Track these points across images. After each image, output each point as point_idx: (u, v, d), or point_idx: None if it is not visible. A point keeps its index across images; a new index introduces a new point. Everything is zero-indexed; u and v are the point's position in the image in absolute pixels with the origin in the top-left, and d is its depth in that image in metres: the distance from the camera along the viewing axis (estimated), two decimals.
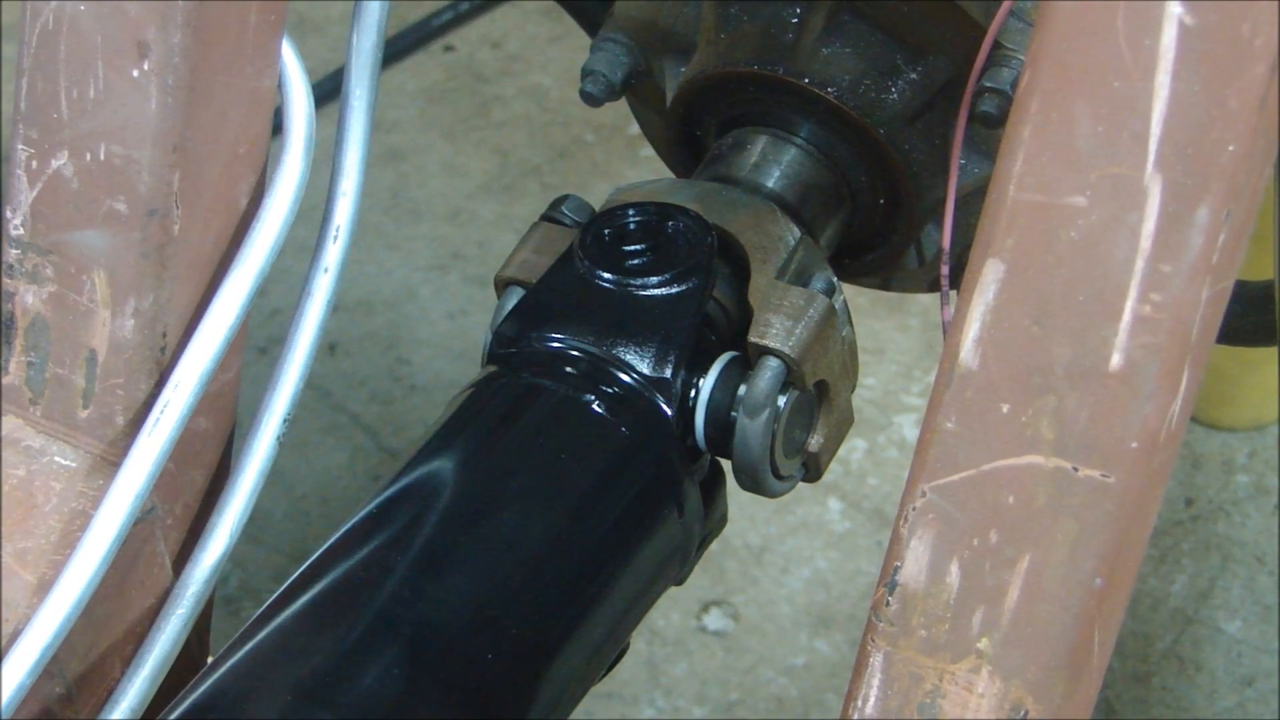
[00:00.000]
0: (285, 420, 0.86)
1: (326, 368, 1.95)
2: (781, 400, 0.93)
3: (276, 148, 0.84)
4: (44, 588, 0.81)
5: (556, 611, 0.85)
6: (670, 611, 1.72)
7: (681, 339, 0.92)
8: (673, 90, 1.06)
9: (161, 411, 0.81)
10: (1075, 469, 0.72)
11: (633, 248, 0.95)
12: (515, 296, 0.97)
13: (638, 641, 1.65)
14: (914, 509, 0.75)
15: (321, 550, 0.85)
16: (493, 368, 0.94)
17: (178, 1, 0.78)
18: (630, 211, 0.97)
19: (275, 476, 0.86)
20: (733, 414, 0.93)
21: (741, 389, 0.93)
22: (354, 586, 0.83)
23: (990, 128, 0.97)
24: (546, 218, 1.01)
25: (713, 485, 0.97)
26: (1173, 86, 0.67)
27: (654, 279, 0.93)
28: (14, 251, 0.85)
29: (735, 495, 0.98)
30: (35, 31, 0.81)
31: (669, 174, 1.11)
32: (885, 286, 1.11)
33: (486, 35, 2.34)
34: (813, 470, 0.99)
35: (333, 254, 0.86)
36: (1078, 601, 0.73)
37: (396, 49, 2.28)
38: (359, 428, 1.91)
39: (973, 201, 0.96)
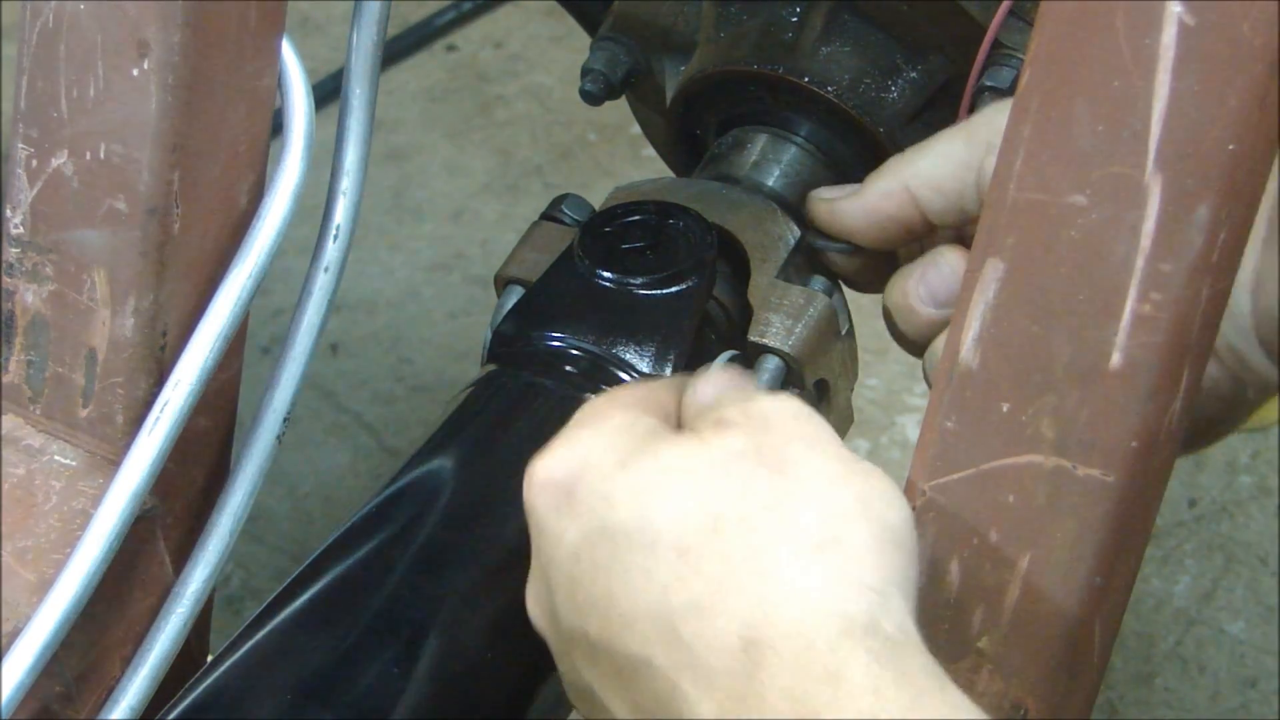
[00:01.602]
0: (285, 419, 0.86)
1: (329, 368, 1.95)
2: None
3: (276, 147, 0.84)
4: (44, 586, 0.81)
5: None
6: None
7: (681, 338, 0.92)
8: (672, 89, 1.06)
9: (161, 410, 0.81)
10: (1075, 468, 0.72)
11: (633, 246, 0.95)
12: (515, 295, 0.97)
13: None
14: (914, 508, 0.74)
15: (321, 549, 0.85)
16: (492, 367, 0.94)
17: (178, 1, 0.78)
18: (630, 210, 0.97)
19: (278, 476, 0.86)
20: None
21: None
22: (354, 585, 0.83)
23: None
24: (546, 216, 1.01)
25: None
26: (1173, 86, 0.67)
27: (654, 278, 0.93)
28: (14, 250, 0.85)
29: None
30: (35, 30, 0.82)
31: (670, 173, 1.11)
32: None
33: (489, 35, 2.34)
34: None
35: (333, 253, 0.86)
36: (1078, 601, 0.73)
37: (399, 49, 2.28)
38: (361, 428, 1.91)
39: None
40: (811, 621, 0.67)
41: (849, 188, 0.93)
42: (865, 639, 0.66)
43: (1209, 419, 0.83)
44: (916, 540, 0.71)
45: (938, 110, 1.01)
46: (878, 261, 0.95)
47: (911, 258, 0.92)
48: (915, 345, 0.90)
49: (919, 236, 0.91)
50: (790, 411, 0.73)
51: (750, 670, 0.66)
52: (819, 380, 0.95)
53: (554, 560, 0.74)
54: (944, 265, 0.88)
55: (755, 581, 0.68)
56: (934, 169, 0.88)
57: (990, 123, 0.86)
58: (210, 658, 0.83)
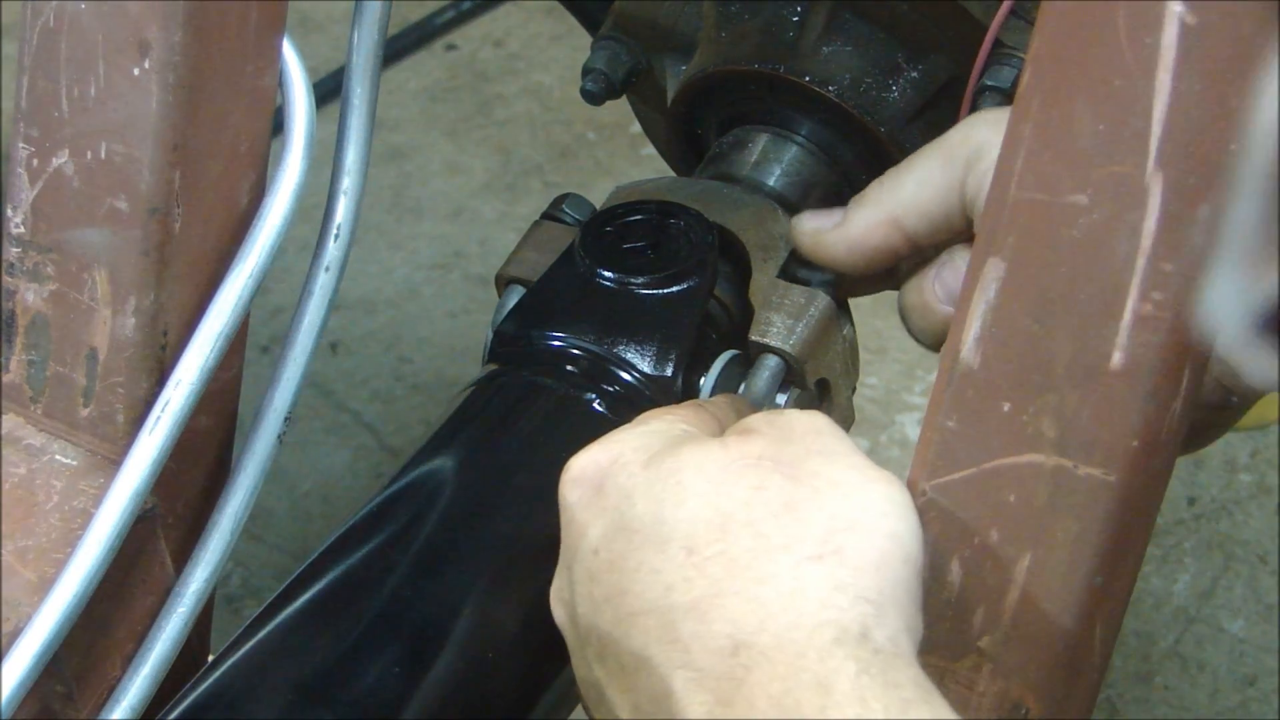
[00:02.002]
0: (286, 418, 0.86)
1: (329, 367, 1.95)
2: (782, 399, 0.93)
3: (277, 147, 0.84)
4: (44, 586, 0.80)
5: None
6: None
7: (682, 337, 0.92)
8: (673, 89, 1.06)
9: (162, 410, 0.81)
10: (1076, 467, 0.72)
11: (634, 246, 0.95)
12: (516, 295, 0.97)
13: None
14: (914, 508, 0.74)
15: (322, 549, 0.85)
16: (493, 366, 0.93)
17: (179, 0, 0.78)
18: (631, 210, 0.97)
19: (278, 475, 0.86)
20: None
21: (741, 387, 0.93)
22: (355, 585, 0.83)
23: None
24: (547, 216, 1.01)
25: None
26: (1174, 85, 0.67)
27: (655, 277, 0.93)
28: (15, 250, 0.85)
29: None
30: (36, 30, 0.81)
31: (670, 173, 1.11)
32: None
33: (489, 34, 2.34)
34: None
35: (333, 252, 0.86)
36: (1078, 600, 0.73)
37: (399, 48, 2.28)
38: (361, 427, 1.91)
39: None
40: (804, 629, 0.67)
41: (832, 215, 0.92)
42: (856, 649, 0.66)
43: (1198, 425, 0.84)
44: (924, 554, 0.71)
45: (939, 110, 1.01)
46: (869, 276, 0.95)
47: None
48: (933, 344, 0.91)
49: (906, 258, 0.91)
50: (814, 425, 0.74)
51: (740, 675, 0.67)
52: (820, 380, 0.95)
53: (577, 554, 0.75)
54: (960, 263, 0.89)
55: (753, 586, 0.68)
56: (916, 196, 0.88)
57: (967, 139, 0.86)
58: (211, 657, 0.83)
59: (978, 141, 0.85)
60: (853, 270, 0.92)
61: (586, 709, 0.78)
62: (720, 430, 0.79)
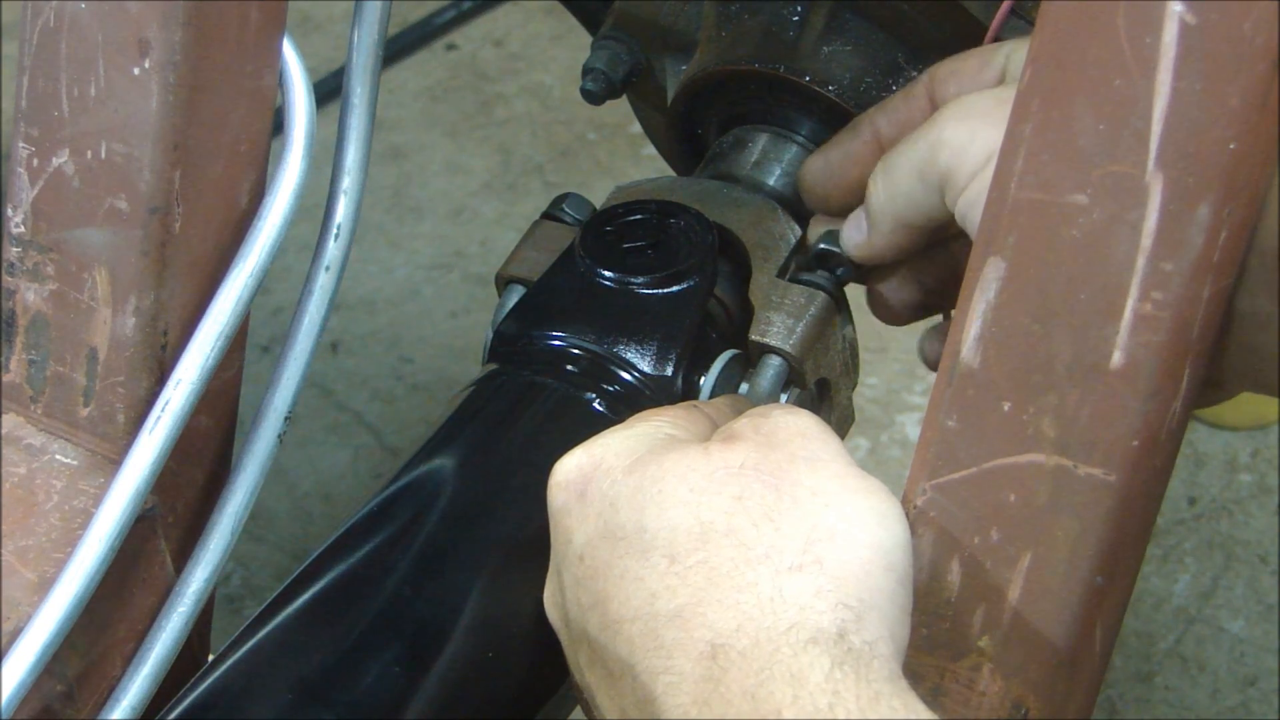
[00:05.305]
0: (286, 418, 0.86)
1: (329, 366, 1.95)
2: (783, 399, 0.93)
3: (277, 146, 0.84)
4: (45, 586, 0.81)
5: None
6: None
7: (683, 337, 0.92)
8: (673, 88, 1.06)
9: (162, 409, 0.81)
10: (1076, 467, 0.72)
11: (634, 246, 0.95)
12: (516, 294, 0.97)
13: None
14: (915, 507, 0.75)
15: (322, 549, 0.85)
16: (493, 366, 0.94)
17: (179, 0, 0.78)
18: (631, 209, 0.97)
19: (278, 475, 0.86)
20: None
21: (743, 387, 0.93)
22: (355, 585, 0.83)
23: None
24: (547, 215, 1.01)
25: None
26: (1174, 85, 0.67)
27: (655, 277, 0.93)
28: (15, 249, 0.85)
29: None
30: (36, 30, 0.81)
31: (670, 172, 1.11)
32: None
33: (489, 33, 2.34)
34: None
35: (334, 252, 0.86)
36: (1079, 600, 0.73)
37: (399, 47, 2.28)
38: (361, 426, 1.91)
39: None
40: (780, 630, 0.67)
41: (859, 228, 0.93)
42: (831, 648, 0.67)
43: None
44: (910, 562, 0.72)
45: None
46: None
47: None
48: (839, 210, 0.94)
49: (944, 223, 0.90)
50: (798, 429, 0.74)
51: (718, 675, 0.67)
52: (820, 379, 0.95)
53: (565, 559, 0.75)
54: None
55: (734, 594, 0.69)
56: (910, 209, 0.89)
57: (935, 150, 0.86)
58: (211, 657, 0.83)
59: (946, 154, 0.85)
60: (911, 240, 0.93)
61: (584, 709, 0.78)
62: (713, 431, 0.79)
